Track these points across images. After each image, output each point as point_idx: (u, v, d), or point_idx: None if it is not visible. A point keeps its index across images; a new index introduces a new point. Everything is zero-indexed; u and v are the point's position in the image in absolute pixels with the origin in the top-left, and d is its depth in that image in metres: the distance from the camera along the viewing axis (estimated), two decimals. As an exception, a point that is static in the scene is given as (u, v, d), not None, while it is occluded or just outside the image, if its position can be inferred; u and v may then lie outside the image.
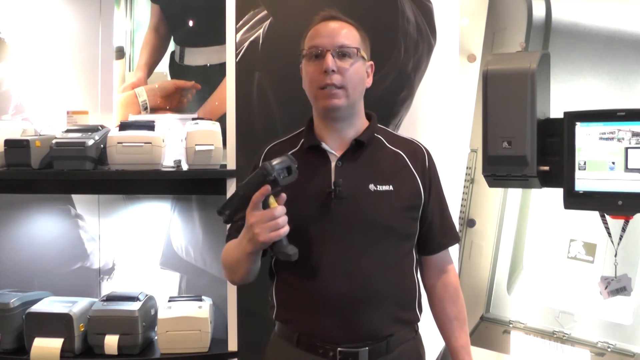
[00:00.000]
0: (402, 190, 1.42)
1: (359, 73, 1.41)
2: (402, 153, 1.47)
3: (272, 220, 1.26)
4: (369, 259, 1.37)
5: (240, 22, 2.21)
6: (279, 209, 1.27)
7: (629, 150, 1.63)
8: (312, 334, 1.38)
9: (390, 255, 1.40)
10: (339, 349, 1.36)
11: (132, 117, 2.58)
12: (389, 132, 1.53)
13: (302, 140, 1.48)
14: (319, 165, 1.41)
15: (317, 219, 1.38)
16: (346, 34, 1.40)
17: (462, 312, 1.54)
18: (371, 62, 1.48)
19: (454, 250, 1.72)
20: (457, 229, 1.61)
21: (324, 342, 1.37)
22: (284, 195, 1.30)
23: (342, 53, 1.38)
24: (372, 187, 1.40)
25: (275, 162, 1.28)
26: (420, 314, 1.48)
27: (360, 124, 1.47)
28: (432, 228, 1.49)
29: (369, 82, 1.47)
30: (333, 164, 1.41)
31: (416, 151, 1.49)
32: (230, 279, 1.50)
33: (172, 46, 2.66)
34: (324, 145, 1.43)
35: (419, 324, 1.50)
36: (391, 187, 1.41)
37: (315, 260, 1.37)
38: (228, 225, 1.49)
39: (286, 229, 1.28)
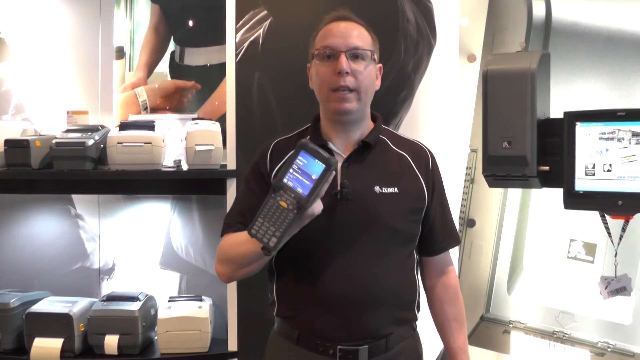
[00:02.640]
0: (406, 192, 1.42)
1: (371, 76, 1.41)
2: (406, 155, 1.47)
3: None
4: (372, 261, 1.37)
5: (240, 22, 2.21)
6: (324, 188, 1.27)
7: (629, 150, 1.63)
8: (313, 332, 1.39)
9: (393, 256, 1.41)
10: (339, 346, 1.36)
11: (132, 117, 2.58)
12: (392, 133, 1.53)
13: (308, 137, 1.47)
14: None
15: (323, 219, 1.35)
16: (359, 36, 1.39)
17: (461, 314, 1.54)
18: (380, 65, 1.47)
19: (454, 250, 1.72)
20: (458, 230, 1.61)
21: (324, 340, 1.37)
22: None
23: (356, 55, 1.37)
24: (377, 189, 1.40)
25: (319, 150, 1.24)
26: (418, 312, 1.49)
27: (366, 125, 1.47)
28: (434, 230, 1.49)
29: (378, 84, 1.46)
30: (339, 165, 1.41)
31: (420, 153, 1.49)
32: (230, 275, 1.42)
33: (172, 46, 2.66)
34: (331, 146, 1.43)
35: (417, 322, 1.50)
36: (396, 190, 1.41)
37: (318, 260, 1.37)
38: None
39: None
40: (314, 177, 1.19)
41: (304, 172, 1.20)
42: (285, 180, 1.20)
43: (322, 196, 1.24)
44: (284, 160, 1.39)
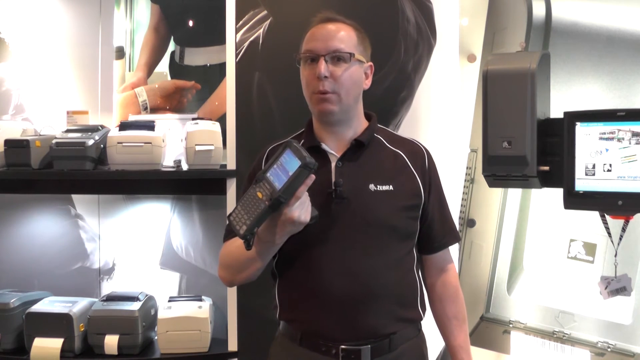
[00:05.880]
0: (402, 189, 1.43)
1: (353, 77, 1.40)
2: (402, 153, 1.47)
3: (305, 201, 1.28)
4: (369, 258, 1.38)
5: (240, 22, 2.21)
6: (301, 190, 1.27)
7: (629, 150, 1.63)
8: (315, 332, 1.39)
9: (391, 254, 1.41)
10: (341, 346, 1.37)
11: (132, 117, 2.58)
12: (389, 132, 1.54)
13: (302, 141, 1.48)
14: (319, 166, 1.41)
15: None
16: (342, 37, 1.39)
17: (461, 311, 1.54)
18: (370, 63, 1.47)
19: (454, 250, 1.72)
20: (457, 229, 1.61)
21: (326, 340, 1.38)
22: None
23: (337, 57, 1.38)
24: (372, 187, 1.40)
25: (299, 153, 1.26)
26: (424, 312, 1.49)
27: (358, 124, 1.47)
28: (432, 227, 1.50)
29: (367, 83, 1.46)
30: (333, 164, 1.42)
31: (416, 151, 1.50)
32: (230, 279, 1.47)
33: (172, 46, 2.66)
34: (324, 146, 1.44)
35: (422, 322, 1.50)
36: (391, 187, 1.41)
37: (316, 260, 1.38)
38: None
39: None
40: (290, 173, 1.24)
41: (284, 169, 1.25)
42: (267, 174, 1.26)
43: (300, 198, 1.25)
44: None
